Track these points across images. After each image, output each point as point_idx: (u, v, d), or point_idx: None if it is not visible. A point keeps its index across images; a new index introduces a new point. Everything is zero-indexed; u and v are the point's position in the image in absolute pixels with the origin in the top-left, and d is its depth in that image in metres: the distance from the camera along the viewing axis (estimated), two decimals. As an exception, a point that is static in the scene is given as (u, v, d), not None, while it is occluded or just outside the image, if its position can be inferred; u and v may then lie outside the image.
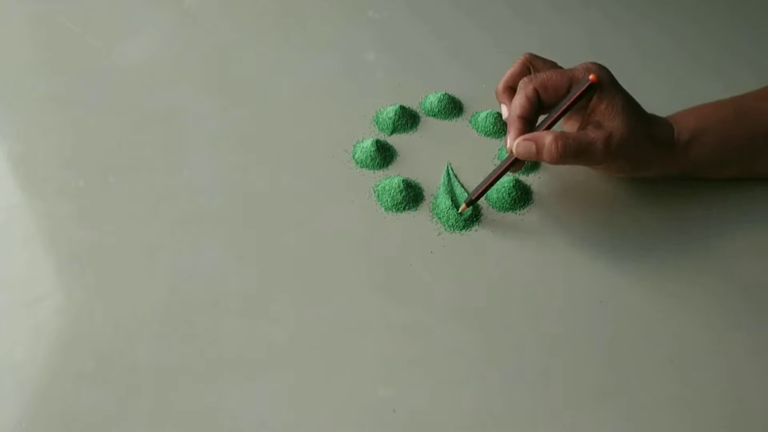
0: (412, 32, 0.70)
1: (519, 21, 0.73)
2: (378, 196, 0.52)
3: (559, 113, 0.48)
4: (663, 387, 0.42)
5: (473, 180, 0.54)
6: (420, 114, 0.60)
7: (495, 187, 0.52)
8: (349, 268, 0.48)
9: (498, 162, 0.55)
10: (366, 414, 0.40)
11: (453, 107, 0.60)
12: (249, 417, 0.40)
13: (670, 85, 0.63)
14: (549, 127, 0.49)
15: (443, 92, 0.61)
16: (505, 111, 0.51)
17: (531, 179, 0.54)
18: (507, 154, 0.49)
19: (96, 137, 0.57)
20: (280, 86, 0.63)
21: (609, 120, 0.47)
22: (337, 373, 0.42)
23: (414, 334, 0.44)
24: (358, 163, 0.55)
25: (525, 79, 0.49)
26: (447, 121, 0.60)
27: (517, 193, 0.52)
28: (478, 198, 0.51)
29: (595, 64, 0.48)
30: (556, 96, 0.48)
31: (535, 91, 0.48)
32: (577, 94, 0.47)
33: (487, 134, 0.58)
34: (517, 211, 0.52)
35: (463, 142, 0.57)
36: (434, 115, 0.60)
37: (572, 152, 0.46)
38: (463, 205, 0.51)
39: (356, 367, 0.42)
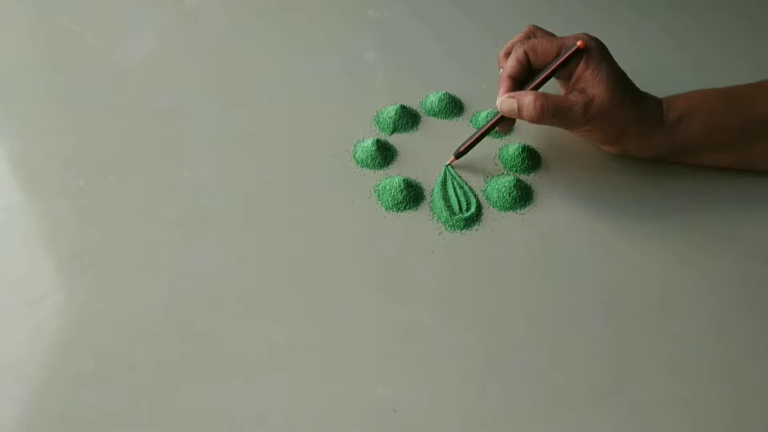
0: (412, 32, 0.70)
1: (519, 21, 0.72)
2: (378, 195, 0.52)
3: (544, 75, 0.51)
4: (663, 387, 0.42)
5: (474, 179, 0.54)
6: (420, 113, 0.60)
7: (495, 187, 0.52)
8: (349, 267, 0.48)
9: (499, 161, 0.56)
10: (366, 414, 0.40)
11: (453, 107, 0.60)
12: (249, 417, 0.40)
13: (670, 86, 0.63)
14: (535, 88, 0.51)
15: (444, 92, 0.61)
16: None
17: (531, 179, 0.54)
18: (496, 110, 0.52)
19: (96, 137, 0.57)
20: (280, 86, 0.63)
21: (593, 87, 0.49)
22: (337, 373, 0.42)
23: (414, 334, 0.44)
24: (358, 163, 0.55)
25: (518, 43, 0.52)
26: (447, 120, 0.60)
27: (517, 192, 0.52)
28: (465, 151, 0.54)
29: (588, 34, 0.51)
30: (545, 60, 0.51)
31: (525, 53, 0.51)
32: (563, 57, 0.50)
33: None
34: (518, 211, 0.52)
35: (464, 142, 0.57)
36: (435, 115, 0.60)
37: (550, 113, 0.49)
38: (451, 157, 0.54)
39: (356, 367, 0.42)
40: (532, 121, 0.49)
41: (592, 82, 0.49)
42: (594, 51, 0.50)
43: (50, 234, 0.50)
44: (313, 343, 0.43)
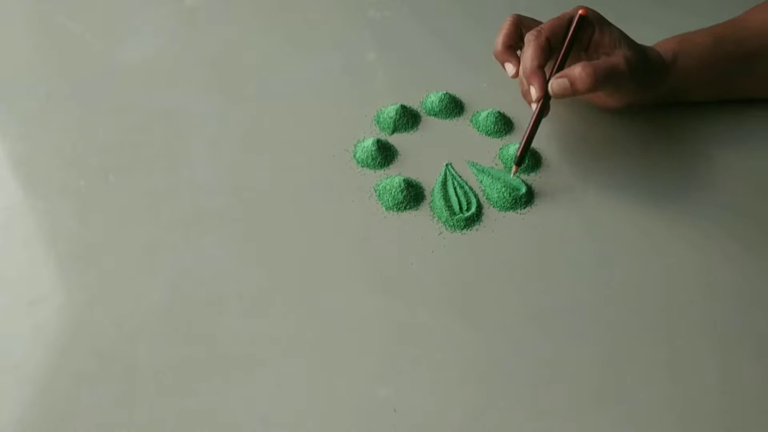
0: (412, 32, 0.70)
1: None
2: (379, 195, 0.52)
3: (562, 54, 0.53)
4: (664, 388, 0.42)
5: (474, 179, 0.54)
6: (421, 113, 0.60)
7: (495, 186, 0.52)
8: (349, 267, 0.48)
9: (499, 161, 0.55)
10: (366, 414, 0.40)
11: (454, 107, 0.60)
12: (249, 416, 0.40)
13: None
14: (558, 69, 0.53)
15: (444, 92, 0.61)
16: (510, 68, 0.55)
17: (532, 179, 0.54)
18: (536, 103, 0.52)
19: (96, 137, 0.57)
20: (281, 86, 0.63)
21: (616, 48, 0.53)
22: (338, 373, 0.42)
23: (414, 334, 0.44)
24: (359, 163, 0.55)
25: (532, 32, 0.53)
26: (448, 120, 0.60)
27: (516, 191, 0.52)
28: (523, 155, 0.53)
29: (582, 6, 0.54)
30: (564, 40, 0.53)
31: (548, 40, 0.52)
32: (572, 30, 0.53)
33: (487, 134, 0.58)
34: (519, 211, 0.52)
35: (464, 142, 0.57)
36: (435, 115, 0.60)
37: (602, 75, 0.50)
38: (514, 167, 0.53)
39: (356, 367, 0.42)
40: (588, 90, 0.50)
41: (613, 45, 0.53)
42: (600, 18, 0.54)
43: (51, 234, 0.50)
44: (313, 342, 0.43)
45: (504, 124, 0.58)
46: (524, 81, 0.53)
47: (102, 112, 0.59)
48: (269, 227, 0.50)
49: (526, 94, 0.54)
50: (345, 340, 0.44)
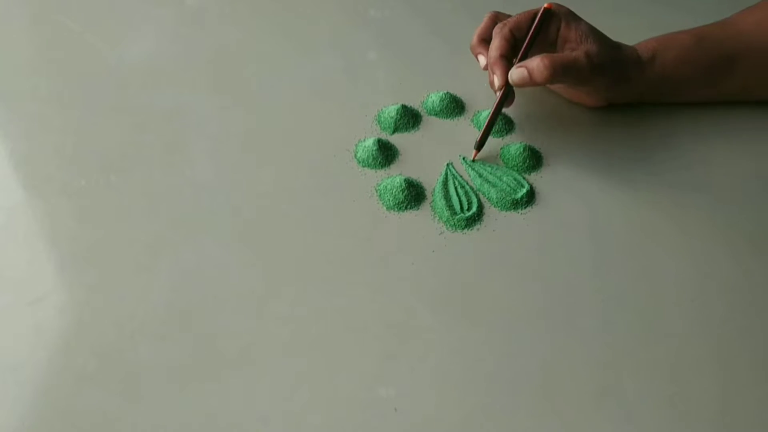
0: (413, 31, 0.70)
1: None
2: (380, 195, 0.52)
3: (525, 44, 0.54)
4: (663, 387, 0.42)
5: (474, 179, 0.54)
6: (422, 113, 0.60)
7: (497, 186, 0.52)
8: (350, 267, 0.48)
9: (501, 162, 0.55)
10: (367, 413, 0.40)
11: (455, 106, 0.60)
12: (250, 416, 0.40)
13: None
14: (521, 60, 0.54)
15: (445, 91, 0.61)
16: (482, 60, 0.57)
17: (532, 178, 0.54)
18: (498, 92, 0.54)
19: (97, 136, 0.57)
20: (282, 86, 0.63)
21: (582, 43, 0.54)
22: (338, 373, 0.42)
23: (415, 334, 0.44)
24: (359, 163, 0.55)
25: (498, 25, 0.55)
26: (449, 120, 0.59)
27: (517, 191, 0.52)
28: (482, 140, 0.55)
29: (551, 2, 0.56)
30: (526, 34, 0.55)
31: (511, 32, 0.54)
32: (536, 22, 0.54)
33: (488, 133, 0.58)
34: (519, 210, 0.52)
35: (465, 141, 0.57)
36: (436, 114, 0.60)
37: (559, 69, 0.51)
38: (474, 152, 0.55)
39: (357, 367, 0.42)
40: (545, 81, 0.51)
41: (579, 39, 0.54)
42: (568, 13, 0.55)
43: (52, 233, 0.50)
44: (314, 342, 0.43)
45: (505, 124, 0.58)
46: (489, 71, 0.55)
47: (102, 112, 0.59)
48: (269, 227, 0.50)
49: (491, 84, 0.55)
50: (345, 340, 0.43)
